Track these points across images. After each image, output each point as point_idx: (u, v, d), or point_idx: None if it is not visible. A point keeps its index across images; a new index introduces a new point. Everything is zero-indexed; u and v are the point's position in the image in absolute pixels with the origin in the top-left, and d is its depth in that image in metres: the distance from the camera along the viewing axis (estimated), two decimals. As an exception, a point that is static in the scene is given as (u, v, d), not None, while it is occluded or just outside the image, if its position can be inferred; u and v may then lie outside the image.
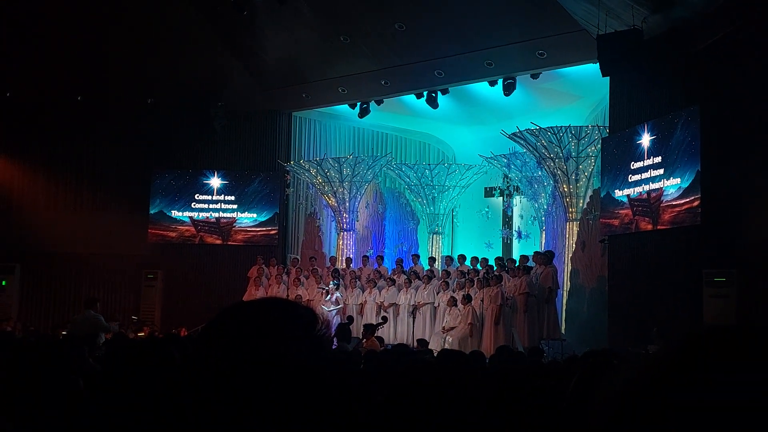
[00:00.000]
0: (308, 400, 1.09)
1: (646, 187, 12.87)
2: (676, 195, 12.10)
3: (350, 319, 15.14)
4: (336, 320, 15.43)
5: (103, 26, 17.07)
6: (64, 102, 18.48)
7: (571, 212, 15.65)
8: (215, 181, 19.48)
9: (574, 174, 15.43)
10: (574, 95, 17.25)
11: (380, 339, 12.93)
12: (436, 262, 17.69)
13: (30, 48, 17.33)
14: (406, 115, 19.42)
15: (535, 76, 15.90)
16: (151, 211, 19.37)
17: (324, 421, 1.10)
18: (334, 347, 8.74)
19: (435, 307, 15.65)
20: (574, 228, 15.68)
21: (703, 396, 0.74)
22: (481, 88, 17.17)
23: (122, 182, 19.39)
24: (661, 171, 12.49)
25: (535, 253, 15.32)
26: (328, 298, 16.33)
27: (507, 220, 18.86)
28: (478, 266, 16.15)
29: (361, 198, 19.09)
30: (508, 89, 16.20)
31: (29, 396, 2.93)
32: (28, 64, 17.69)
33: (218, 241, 19.51)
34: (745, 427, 0.72)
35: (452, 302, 14.84)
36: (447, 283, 15.55)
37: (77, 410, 2.86)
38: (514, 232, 18.23)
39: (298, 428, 1.08)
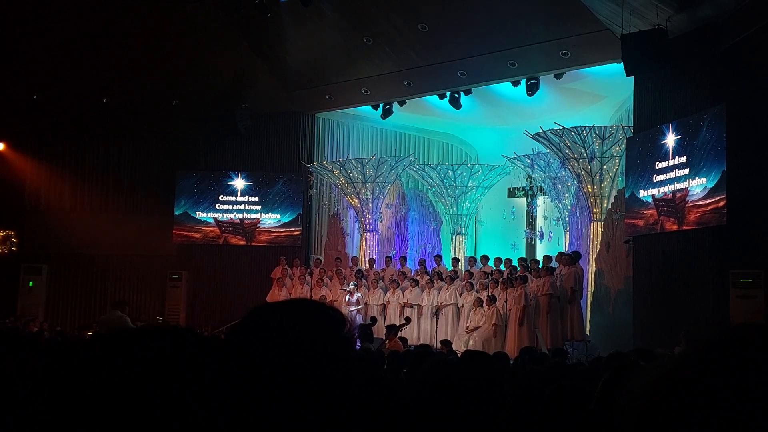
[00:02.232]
0: (336, 399, 1.10)
1: (671, 187, 12.75)
2: (701, 195, 11.98)
3: (373, 320, 15.15)
4: (357, 320, 15.45)
5: (128, 29, 17.23)
6: (89, 104, 18.67)
7: (596, 213, 15.54)
8: (239, 182, 19.58)
9: (598, 174, 15.33)
10: (598, 95, 17.13)
11: (403, 340, 12.93)
12: (459, 263, 17.65)
13: (55, 51, 17.52)
14: (428, 115, 19.37)
15: (558, 76, 15.79)
16: (176, 213, 19.51)
17: (351, 420, 1.11)
18: (357, 348, 8.77)
19: (458, 308, 15.62)
20: (599, 229, 15.57)
21: (728, 396, 0.75)
22: (504, 88, 17.09)
23: (147, 184, 19.57)
24: (687, 171, 12.37)
25: (559, 253, 15.22)
26: (348, 298, 16.37)
27: (531, 221, 18.76)
28: (502, 267, 16.09)
29: (383, 199, 19.09)
30: (532, 89, 16.11)
31: (54, 396, 2.96)
32: (54, 67, 17.89)
33: (242, 242, 19.62)
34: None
35: (478, 303, 14.80)
36: (470, 284, 15.52)
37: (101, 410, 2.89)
38: (537, 233, 18.14)
39: (327, 427, 1.09)
